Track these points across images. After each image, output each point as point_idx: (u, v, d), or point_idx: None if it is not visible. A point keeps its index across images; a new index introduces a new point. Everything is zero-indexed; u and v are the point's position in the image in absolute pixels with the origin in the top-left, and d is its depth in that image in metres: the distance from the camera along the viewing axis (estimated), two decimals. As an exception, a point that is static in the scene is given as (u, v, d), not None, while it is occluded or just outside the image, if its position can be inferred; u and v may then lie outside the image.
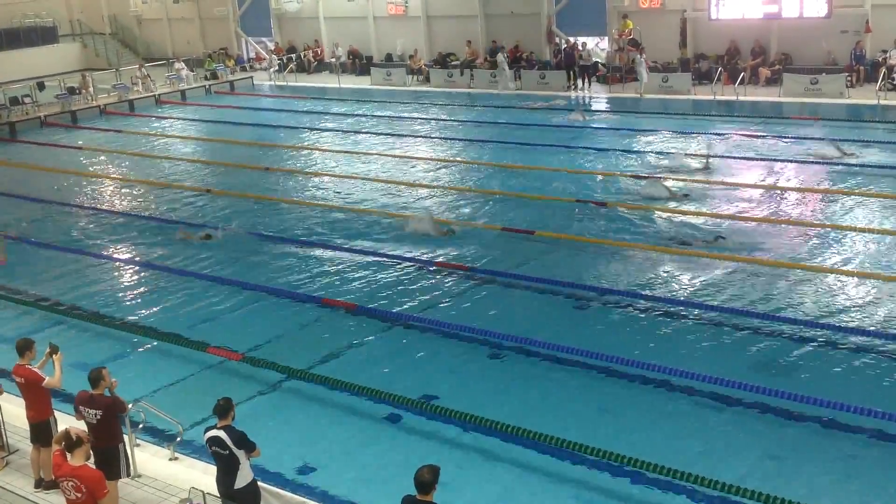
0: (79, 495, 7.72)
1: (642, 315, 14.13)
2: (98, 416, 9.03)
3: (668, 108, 31.19)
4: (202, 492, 8.21)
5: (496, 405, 11.37)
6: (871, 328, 13.07)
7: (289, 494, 8.88)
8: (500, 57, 36.93)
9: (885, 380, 11.64)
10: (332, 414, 11.68)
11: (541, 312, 14.72)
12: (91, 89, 38.00)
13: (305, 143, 29.14)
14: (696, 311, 14.02)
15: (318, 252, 18.06)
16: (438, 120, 31.89)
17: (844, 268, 15.50)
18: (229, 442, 8.30)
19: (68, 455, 7.77)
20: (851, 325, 13.19)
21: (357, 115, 33.37)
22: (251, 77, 43.25)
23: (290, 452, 10.63)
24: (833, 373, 11.93)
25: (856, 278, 15.00)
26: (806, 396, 10.93)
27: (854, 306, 13.91)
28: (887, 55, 31.92)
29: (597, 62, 37.75)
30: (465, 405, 11.27)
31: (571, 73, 36.54)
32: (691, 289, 14.99)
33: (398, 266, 16.91)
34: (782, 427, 10.70)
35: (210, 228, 19.48)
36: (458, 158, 25.80)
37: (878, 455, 10.05)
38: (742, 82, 32.39)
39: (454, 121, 31.52)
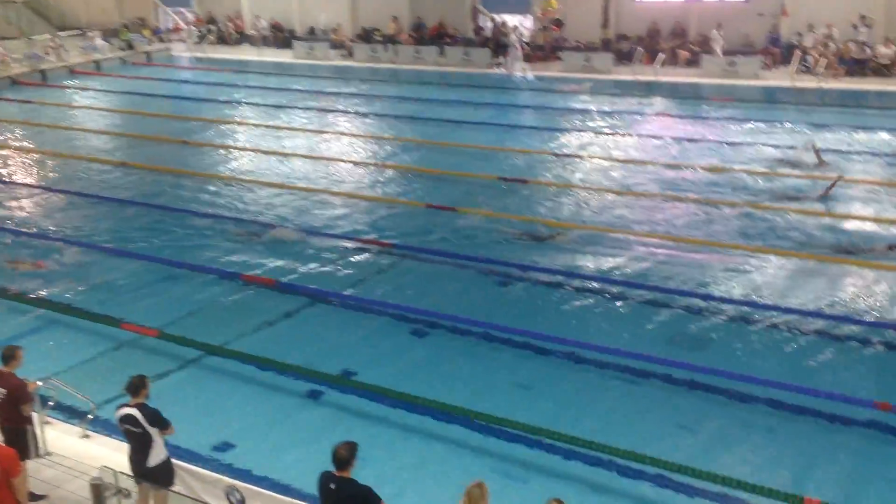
0: (-10, 476, 7.46)
1: (564, 292, 14.27)
2: (3, 395, 8.75)
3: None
4: (114, 471, 8.03)
5: (417, 381, 11.38)
6: (773, 303, 13.43)
7: (205, 472, 8.73)
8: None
9: (796, 355, 11.98)
10: (250, 390, 11.54)
11: (465, 289, 14.74)
12: (3, 59, 36.68)
13: (225, 117, 28.60)
14: (618, 289, 14.22)
15: (237, 228, 17.77)
16: (361, 95, 31.66)
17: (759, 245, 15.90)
18: (142, 419, 8.12)
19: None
20: (763, 301, 13.55)
21: (278, 89, 32.89)
22: (169, 48, 42.25)
23: (208, 429, 10.47)
24: (747, 347, 12.23)
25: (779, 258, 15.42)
26: (718, 369, 11.22)
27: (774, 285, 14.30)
28: (802, 38, 32.71)
29: (520, 40, 37.81)
30: (385, 381, 11.27)
31: (496, 50, 36.63)
32: (615, 267, 15.18)
33: (320, 242, 16.75)
34: (693, 399, 10.93)
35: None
36: (384, 135, 25.69)
37: (795, 427, 10.34)
38: (662, 63, 32.86)
39: (378, 96, 31.32)
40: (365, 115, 28.61)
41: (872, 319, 12.83)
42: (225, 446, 10.18)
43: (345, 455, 7.18)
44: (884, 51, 31.89)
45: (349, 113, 28.84)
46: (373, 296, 14.27)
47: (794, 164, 20.73)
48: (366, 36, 40.50)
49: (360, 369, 11.82)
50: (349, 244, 16.61)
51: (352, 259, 15.95)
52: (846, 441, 9.99)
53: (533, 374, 11.75)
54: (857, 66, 31.59)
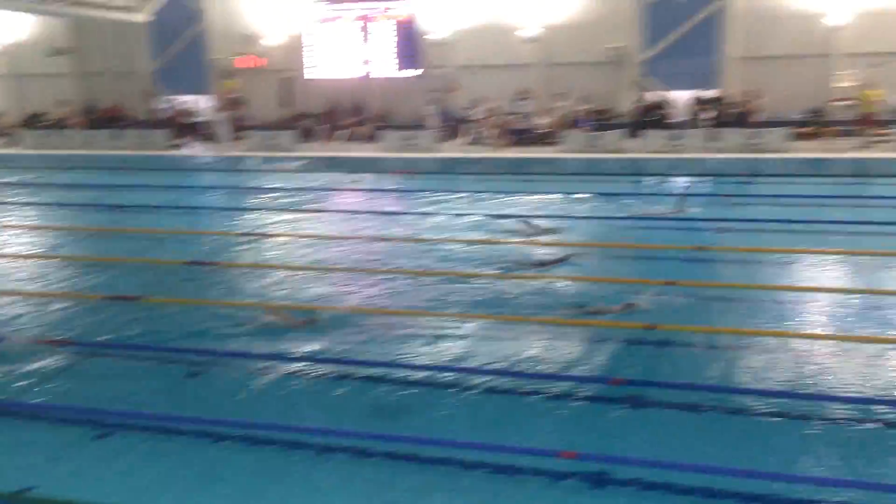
0: None
1: (261, 376, 13.88)
2: None
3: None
4: None
5: (100, 488, 10.51)
6: (473, 366, 13.89)
7: None
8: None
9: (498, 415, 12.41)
10: None
11: (153, 383, 13.93)
12: None
13: None
14: (318, 367, 14.05)
15: None
16: (30, 184, 29.66)
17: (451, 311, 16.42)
18: None
19: None
20: (463, 365, 13.95)
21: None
22: None
23: None
24: (447, 412, 12.49)
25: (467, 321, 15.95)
26: (419, 437, 11.33)
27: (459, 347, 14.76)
28: (471, 111, 34.93)
29: (201, 121, 37.43)
30: (68, 492, 10.31)
31: (175, 131, 35.92)
32: (316, 345, 15.00)
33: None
34: (398, 472, 10.95)
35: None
36: (57, 225, 24.09)
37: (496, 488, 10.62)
38: (344, 139, 33.73)
39: (49, 184, 29.47)
40: (34, 205, 26.75)
41: (567, 374, 13.50)
42: None
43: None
44: (544, 121, 34.81)
45: (16, 204, 26.82)
46: (51, 401, 13.10)
47: (485, 231, 21.78)
48: (33, 121, 38.17)
49: (40, 483, 10.74)
50: (21, 347, 15.21)
51: (25, 363, 14.56)
52: (537, 494, 10.37)
53: (226, 464, 11.22)
54: (522, 136, 34.20)
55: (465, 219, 23.09)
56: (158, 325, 16.25)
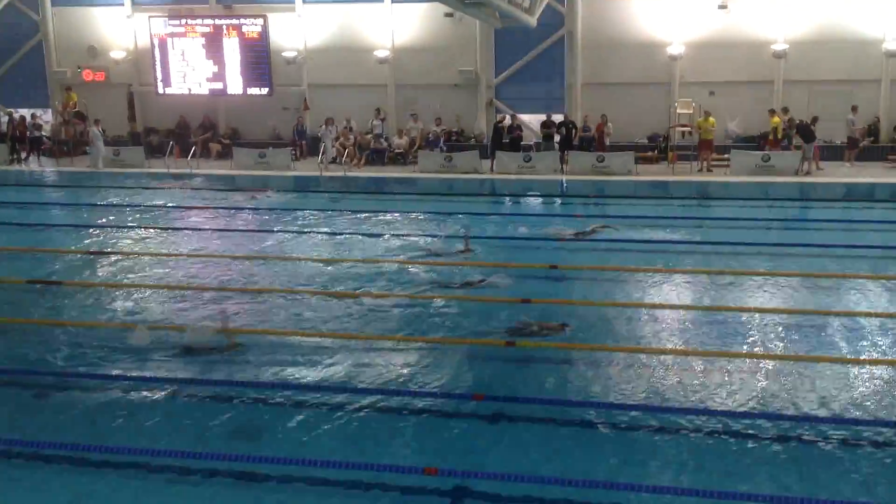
0: None
1: (114, 396, 13.29)
2: None
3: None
4: None
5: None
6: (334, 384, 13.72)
7: None
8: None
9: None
10: None
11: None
12: None
13: None
14: (173, 386, 13.53)
15: None
16: None
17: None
18: None
19: None
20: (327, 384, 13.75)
21: None
22: None
23: None
24: (314, 431, 12.28)
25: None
26: (282, 458, 11.07)
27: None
28: (320, 131, 34.81)
29: (42, 135, 35.83)
30: None
31: (16, 145, 34.27)
32: (174, 365, 14.45)
33: None
34: (258, 492, 10.64)
35: None
36: None
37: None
38: (194, 156, 32.93)
39: None
40: None
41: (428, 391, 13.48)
42: None
43: None
44: (398, 141, 35.03)
45: None
46: None
47: (345, 249, 21.54)
48: None
49: None
50: None
51: None
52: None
53: (88, 491, 10.70)
54: (377, 156, 34.28)
55: (325, 238, 22.88)
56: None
